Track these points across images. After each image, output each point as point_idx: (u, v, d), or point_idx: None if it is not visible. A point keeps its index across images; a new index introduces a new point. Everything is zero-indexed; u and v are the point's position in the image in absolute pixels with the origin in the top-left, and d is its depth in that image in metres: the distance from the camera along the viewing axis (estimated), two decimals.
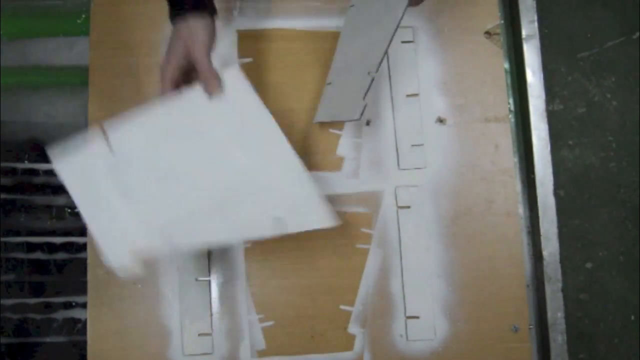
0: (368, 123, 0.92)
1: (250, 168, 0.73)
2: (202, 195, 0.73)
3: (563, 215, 1.51)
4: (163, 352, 0.86)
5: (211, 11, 0.73)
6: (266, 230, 0.72)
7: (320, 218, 0.72)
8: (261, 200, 0.72)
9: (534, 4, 0.95)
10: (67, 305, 0.88)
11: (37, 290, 0.88)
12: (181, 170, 0.73)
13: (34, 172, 0.91)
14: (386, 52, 0.76)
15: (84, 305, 0.87)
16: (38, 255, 0.89)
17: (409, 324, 0.88)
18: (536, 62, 0.94)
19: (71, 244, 0.89)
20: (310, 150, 0.91)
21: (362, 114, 0.77)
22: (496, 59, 0.95)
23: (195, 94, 0.73)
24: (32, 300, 0.88)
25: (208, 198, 0.72)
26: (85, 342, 0.86)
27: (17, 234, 0.89)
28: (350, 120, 0.89)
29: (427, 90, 0.93)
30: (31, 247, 0.89)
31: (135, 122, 0.73)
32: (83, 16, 0.94)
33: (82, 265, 0.88)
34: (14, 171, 0.90)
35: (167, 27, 0.88)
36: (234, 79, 0.73)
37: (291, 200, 0.72)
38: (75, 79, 0.92)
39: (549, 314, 0.89)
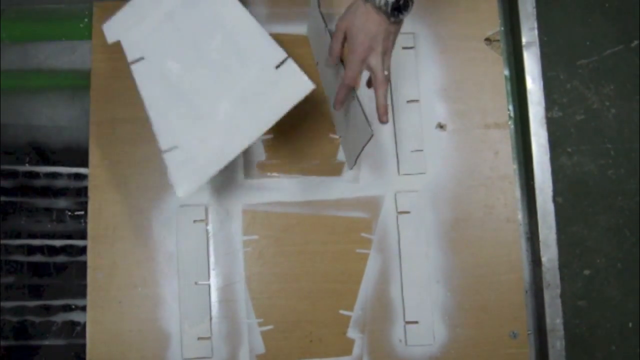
0: None
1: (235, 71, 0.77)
2: (211, 107, 0.77)
3: (562, 222, 1.51)
4: (162, 355, 0.86)
5: None
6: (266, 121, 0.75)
7: (300, 87, 0.75)
8: (250, 96, 0.76)
9: (534, 12, 0.96)
10: (67, 308, 0.88)
11: (37, 292, 0.88)
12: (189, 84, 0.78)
13: (34, 175, 0.91)
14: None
15: (83, 308, 0.87)
16: (38, 257, 0.89)
17: (408, 329, 0.88)
18: (536, 69, 0.94)
19: (71, 246, 0.89)
20: (310, 155, 0.92)
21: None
22: (496, 66, 0.96)
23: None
24: (32, 303, 0.88)
25: (216, 108, 0.77)
26: (84, 345, 0.86)
27: (18, 236, 0.89)
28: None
29: (428, 96, 0.94)
30: (31, 250, 0.89)
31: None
32: (85, 20, 0.95)
33: (82, 268, 0.88)
34: (14, 174, 0.91)
35: None
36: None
37: (271, 83, 0.76)
38: (77, 83, 0.92)
39: (548, 320, 0.89)
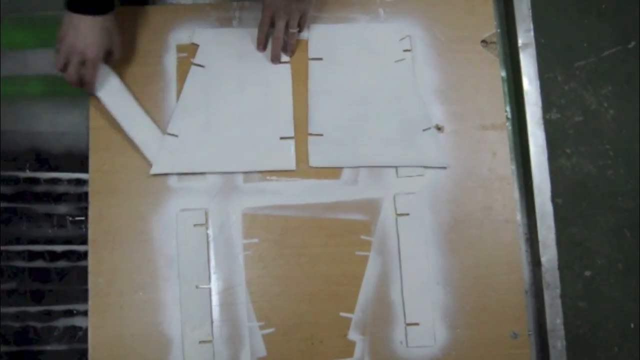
0: None
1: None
2: None
3: (561, 223, 1.51)
4: (164, 359, 0.86)
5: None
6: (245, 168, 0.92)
7: (287, 162, 0.91)
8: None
9: (530, 13, 0.96)
10: (68, 313, 0.88)
11: (38, 298, 0.88)
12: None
13: (35, 181, 0.91)
14: None
15: (84, 313, 0.87)
16: (39, 263, 0.89)
17: (409, 331, 0.88)
18: (532, 71, 0.95)
19: (72, 252, 0.90)
20: (309, 157, 0.92)
21: None
22: (493, 68, 0.96)
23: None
24: (33, 309, 0.88)
25: (221, 136, 0.93)
26: (86, 350, 0.86)
27: (18, 242, 0.90)
28: None
29: (425, 98, 0.94)
30: (32, 256, 0.89)
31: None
32: None
33: (83, 273, 0.88)
34: (15, 180, 0.91)
35: (164, 37, 0.89)
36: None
37: (270, 148, 0.92)
38: (76, 89, 0.92)
39: (548, 321, 0.89)
